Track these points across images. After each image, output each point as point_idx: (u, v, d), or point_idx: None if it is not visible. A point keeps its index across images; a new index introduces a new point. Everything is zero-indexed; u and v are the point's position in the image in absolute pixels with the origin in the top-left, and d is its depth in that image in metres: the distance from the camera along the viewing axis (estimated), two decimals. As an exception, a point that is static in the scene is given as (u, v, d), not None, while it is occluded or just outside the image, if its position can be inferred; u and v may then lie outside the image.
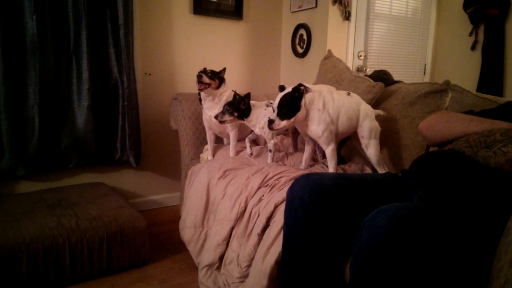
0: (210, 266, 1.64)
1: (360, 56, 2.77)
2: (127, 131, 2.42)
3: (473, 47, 2.87)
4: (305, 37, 2.80)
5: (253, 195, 1.58)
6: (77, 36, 2.19)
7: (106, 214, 1.85)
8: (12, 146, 2.11)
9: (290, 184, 1.25)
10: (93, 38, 2.25)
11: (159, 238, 2.19)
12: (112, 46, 2.33)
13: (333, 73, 2.22)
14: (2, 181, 2.18)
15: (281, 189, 1.50)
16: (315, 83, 2.32)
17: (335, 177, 1.20)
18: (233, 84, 2.93)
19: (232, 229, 1.61)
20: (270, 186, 1.55)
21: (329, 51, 2.39)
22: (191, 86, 2.72)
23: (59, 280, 1.66)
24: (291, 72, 3.05)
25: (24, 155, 2.15)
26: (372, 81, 1.95)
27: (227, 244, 1.61)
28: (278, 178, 1.59)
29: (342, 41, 2.70)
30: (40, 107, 2.13)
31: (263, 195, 1.53)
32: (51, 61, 2.15)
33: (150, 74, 2.58)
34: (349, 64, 2.73)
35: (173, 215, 2.52)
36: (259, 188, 1.58)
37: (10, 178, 2.19)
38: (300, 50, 2.86)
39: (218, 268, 1.63)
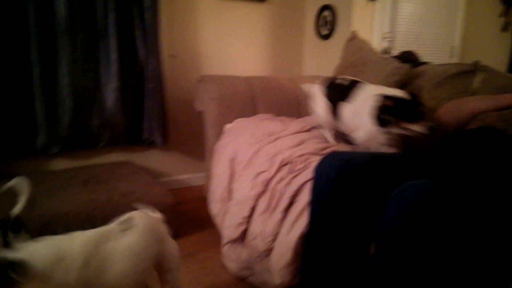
0: (232, 241, 1.70)
1: (386, 37, 2.73)
2: (154, 112, 2.48)
3: (504, 28, 2.78)
4: (329, 18, 2.77)
5: (276, 172, 1.60)
6: (105, 18, 2.25)
7: (136, 190, 1.93)
8: (46, 125, 2.20)
9: (316, 162, 1.27)
10: (120, 20, 2.30)
11: (186, 215, 2.27)
12: (139, 28, 2.38)
13: (358, 55, 2.20)
14: (38, 158, 2.29)
15: (307, 168, 1.53)
16: (339, 65, 2.31)
17: (364, 155, 1.22)
18: (256, 68, 2.96)
19: (253, 207, 1.65)
20: (294, 163, 1.57)
21: (354, 32, 2.37)
22: (216, 68, 2.77)
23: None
24: (314, 54, 3.04)
25: (57, 134, 2.25)
26: (398, 62, 1.93)
27: (249, 219, 1.66)
28: (304, 157, 1.60)
29: (367, 22, 2.67)
30: (72, 88, 2.21)
31: (287, 174, 1.56)
32: (80, 44, 2.22)
33: (175, 56, 2.62)
34: (375, 46, 2.70)
35: (198, 194, 2.60)
36: (284, 164, 1.59)
37: (45, 156, 2.29)
38: (324, 32, 2.84)
39: (241, 243, 1.69)
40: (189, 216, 2.27)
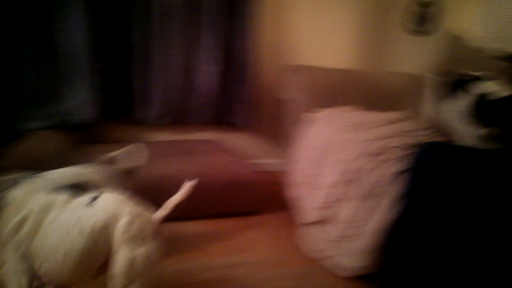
0: (312, 224, 1.75)
1: (495, 37, 2.54)
2: (242, 96, 2.63)
3: None
4: (428, 12, 2.66)
5: (367, 161, 1.61)
6: (209, 5, 2.43)
7: (224, 166, 2.07)
8: (154, 100, 2.47)
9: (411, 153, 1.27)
10: (222, 8, 2.46)
11: (262, 196, 2.36)
12: (238, 17, 2.52)
13: (461, 53, 2.10)
14: (138, 128, 2.58)
15: (399, 159, 1.51)
16: (440, 63, 2.22)
17: (463, 147, 1.20)
18: (346, 60, 2.95)
19: (339, 193, 1.68)
20: (388, 153, 1.56)
21: (456, 29, 2.25)
22: (304, 58, 2.83)
23: (180, 214, 1.92)
24: (404, 49, 2.94)
25: (162, 109, 2.51)
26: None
27: (334, 205, 1.70)
28: (397, 147, 1.59)
29: (472, 19, 2.51)
30: (177, 69, 2.44)
31: (378, 163, 1.55)
32: (186, 28, 2.43)
33: (269, 44, 2.73)
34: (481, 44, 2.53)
35: (276, 179, 2.69)
36: (377, 154, 1.59)
37: (144, 127, 2.56)
38: (421, 27, 2.74)
39: (320, 226, 1.73)
40: (265, 197, 2.37)
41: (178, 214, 1.87)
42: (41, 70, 2.18)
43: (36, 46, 2.15)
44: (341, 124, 1.97)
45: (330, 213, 1.68)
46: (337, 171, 1.69)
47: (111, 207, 1.03)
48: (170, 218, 1.86)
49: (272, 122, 2.88)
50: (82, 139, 2.32)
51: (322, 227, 1.71)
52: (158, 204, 1.80)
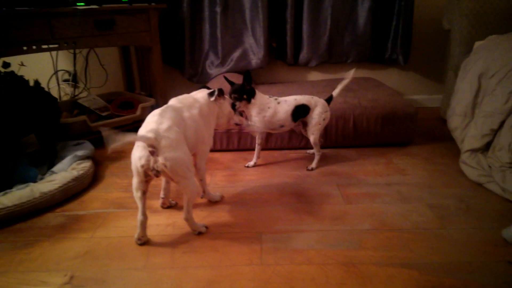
0: (474, 150, 1.79)
1: None
2: (399, 31, 2.64)
3: None
4: None
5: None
6: None
7: (381, 99, 2.22)
8: (309, 42, 2.70)
9: None
10: None
11: (421, 129, 2.43)
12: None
13: None
14: (300, 70, 2.87)
15: None
16: None
17: None
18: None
19: (503, 121, 1.68)
20: None
21: None
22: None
23: (343, 141, 2.19)
24: None
25: (317, 50, 2.73)
26: None
27: (496, 132, 1.70)
28: None
29: None
30: (332, 10, 2.60)
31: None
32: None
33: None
34: None
35: (433, 114, 2.69)
36: None
37: (306, 68, 2.84)
38: None
39: (483, 152, 1.76)
40: (424, 130, 2.43)
41: (345, 143, 2.15)
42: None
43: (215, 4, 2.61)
44: (506, 50, 1.86)
45: (491, 141, 1.70)
46: (501, 99, 1.68)
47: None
48: (336, 145, 2.15)
49: (432, 56, 2.82)
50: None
51: (483, 154, 1.74)
52: (326, 128, 2.09)
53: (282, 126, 1.90)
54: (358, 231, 1.40)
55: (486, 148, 1.78)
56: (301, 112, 1.88)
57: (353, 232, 1.39)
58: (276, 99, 1.88)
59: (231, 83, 1.83)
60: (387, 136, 2.17)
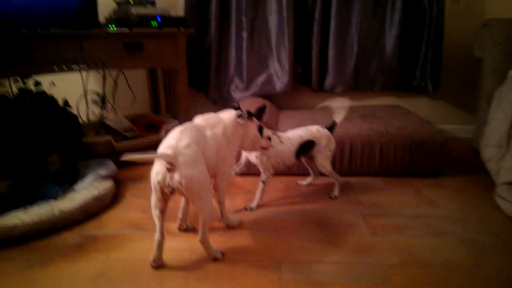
0: (511, 183, 1.67)
1: None
2: (429, 58, 2.58)
3: None
4: None
5: None
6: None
7: (409, 126, 2.14)
8: (335, 68, 2.68)
9: None
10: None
11: (451, 160, 2.32)
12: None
13: None
14: (326, 95, 2.83)
15: None
16: None
17: None
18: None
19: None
20: None
21: None
22: (504, 10, 2.56)
23: (369, 169, 2.11)
24: None
25: (342, 76, 2.70)
26: None
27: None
28: None
29: None
30: (358, 36, 2.58)
31: None
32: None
33: (458, 1, 2.57)
34: None
35: (465, 145, 2.58)
36: None
37: (331, 93, 2.80)
38: None
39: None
40: (455, 161, 2.32)
41: (371, 171, 2.07)
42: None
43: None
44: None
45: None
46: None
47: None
48: (361, 173, 2.08)
49: (463, 85, 2.73)
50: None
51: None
52: (351, 155, 2.05)
53: (284, 165, 1.79)
54: (385, 265, 1.31)
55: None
56: (305, 148, 1.80)
57: (379, 266, 1.31)
58: (279, 137, 1.75)
59: (238, 109, 1.59)
60: (415, 165, 2.08)
